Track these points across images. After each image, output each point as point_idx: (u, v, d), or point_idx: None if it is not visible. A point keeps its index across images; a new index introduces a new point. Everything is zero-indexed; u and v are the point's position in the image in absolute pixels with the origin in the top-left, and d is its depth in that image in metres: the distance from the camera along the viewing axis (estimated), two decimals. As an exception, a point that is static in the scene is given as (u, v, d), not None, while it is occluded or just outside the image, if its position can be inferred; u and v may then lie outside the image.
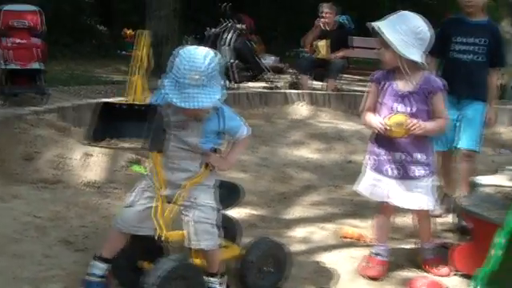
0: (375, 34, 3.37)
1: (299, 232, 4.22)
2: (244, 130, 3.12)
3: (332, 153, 6.33)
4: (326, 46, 9.40)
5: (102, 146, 2.77)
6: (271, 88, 9.93)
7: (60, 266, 3.41)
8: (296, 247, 3.92)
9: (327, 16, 9.43)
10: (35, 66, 7.98)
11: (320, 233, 4.21)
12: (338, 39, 9.44)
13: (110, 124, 2.69)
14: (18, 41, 8.06)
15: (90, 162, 5.01)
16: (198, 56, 2.83)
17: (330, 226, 4.31)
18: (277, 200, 4.91)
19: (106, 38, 17.85)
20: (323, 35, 9.51)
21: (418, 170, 3.46)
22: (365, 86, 11.23)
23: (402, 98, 3.41)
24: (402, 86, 3.42)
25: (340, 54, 9.37)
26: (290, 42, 16.00)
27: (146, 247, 3.16)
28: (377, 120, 3.42)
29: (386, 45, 3.33)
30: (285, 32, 19.65)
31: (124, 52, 13.01)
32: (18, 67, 7.94)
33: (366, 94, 3.67)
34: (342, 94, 8.25)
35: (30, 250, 3.54)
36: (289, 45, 13.90)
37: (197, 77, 2.79)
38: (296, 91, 8.24)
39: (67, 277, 3.28)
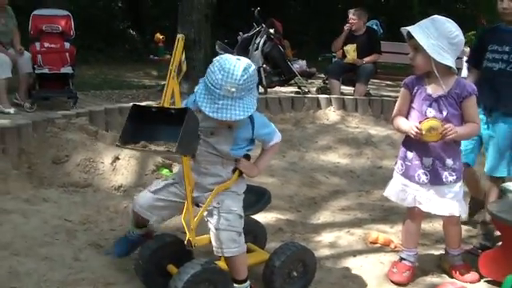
0: (408, 38, 3.37)
1: (327, 237, 4.20)
2: (275, 137, 3.14)
3: (361, 158, 6.29)
4: (353, 51, 9.37)
5: (132, 149, 2.76)
6: (301, 93, 9.93)
7: (90, 269, 3.44)
8: (323, 252, 3.92)
9: (353, 21, 9.42)
10: (66, 70, 8.09)
11: (348, 238, 4.19)
12: (367, 44, 9.40)
13: (142, 127, 2.69)
14: (49, 45, 8.17)
15: (119, 166, 5.04)
16: (236, 68, 2.78)
17: (358, 231, 4.29)
18: (305, 205, 4.90)
19: (138, 43, 18.01)
20: (352, 40, 9.49)
21: (447, 176, 3.43)
22: (394, 91, 11.23)
23: (434, 102, 3.38)
24: (433, 90, 3.40)
25: (368, 58, 9.33)
26: (320, 46, 15.98)
27: (173, 251, 3.20)
28: (409, 125, 3.40)
29: (418, 49, 3.33)
30: (316, 36, 19.61)
31: (156, 57, 13.12)
32: (50, 71, 8.05)
33: (399, 99, 3.64)
34: (371, 99, 8.19)
35: (60, 253, 3.58)
36: (320, 49, 13.84)
37: (233, 89, 2.76)
38: (325, 96, 8.22)
39: (97, 280, 3.32)
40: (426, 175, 3.45)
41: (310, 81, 11.44)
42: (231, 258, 3.00)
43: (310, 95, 8.77)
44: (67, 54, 8.22)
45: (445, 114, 3.35)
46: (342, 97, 8.21)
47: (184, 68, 2.86)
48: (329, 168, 5.93)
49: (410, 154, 3.49)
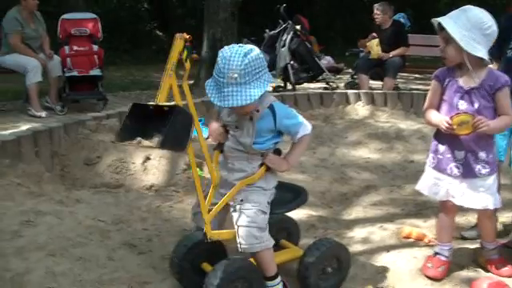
0: (439, 30, 3.28)
1: (359, 232, 4.18)
2: (302, 129, 3.03)
3: (392, 152, 6.24)
4: (376, 45, 9.31)
5: (128, 144, 2.79)
6: (329, 89, 9.89)
7: (124, 268, 3.47)
8: (356, 248, 3.89)
9: (377, 16, 9.36)
10: (95, 72, 8.20)
11: (381, 233, 4.15)
12: (393, 37, 9.33)
13: (140, 124, 2.72)
14: (77, 48, 8.28)
15: (150, 166, 5.07)
16: (236, 54, 2.77)
17: (391, 226, 4.25)
18: (337, 200, 4.88)
19: (165, 43, 18.10)
20: (378, 34, 9.43)
21: (480, 169, 3.34)
22: (423, 84, 11.15)
23: (465, 94, 3.30)
24: (465, 82, 3.31)
25: (395, 52, 9.26)
26: (347, 41, 15.91)
27: (208, 249, 3.20)
28: (440, 118, 3.33)
29: (449, 41, 3.24)
30: (342, 32, 19.55)
31: (181, 57, 13.18)
32: (79, 74, 8.14)
33: (429, 91, 3.56)
34: (400, 93, 8.12)
35: (94, 253, 3.60)
36: (347, 45, 13.79)
37: (235, 75, 2.75)
38: (354, 91, 8.16)
39: (131, 279, 3.34)
40: (459, 168, 3.37)
41: (337, 76, 11.40)
42: (256, 254, 2.99)
43: (338, 91, 8.73)
44: (96, 57, 8.34)
45: (477, 106, 3.27)
46: (371, 91, 8.16)
47: (188, 66, 2.91)
48: (359, 163, 5.90)
49: (442, 147, 3.42)
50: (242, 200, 3.00)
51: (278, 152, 3.08)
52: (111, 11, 16.27)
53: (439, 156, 3.45)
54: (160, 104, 2.73)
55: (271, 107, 2.96)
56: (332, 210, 4.67)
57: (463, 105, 3.31)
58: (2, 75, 9.06)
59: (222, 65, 2.77)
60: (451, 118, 3.24)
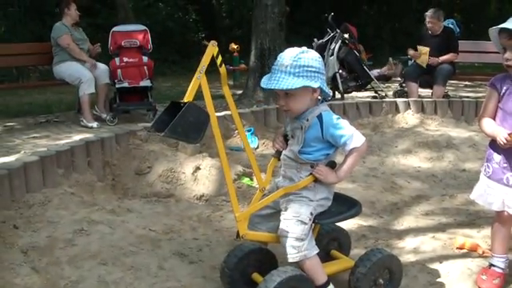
0: (507, 37, 3.09)
1: (411, 243, 4.12)
2: (352, 141, 2.97)
3: (443, 161, 6.15)
4: (424, 53, 9.22)
5: (157, 135, 2.94)
6: (378, 97, 9.82)
7: (175, 277, 3.49)
8: (408, 258, 3.83)
9: (430, 23, 9.27)
10: (145, 83, 8.32)
11: (432, 243, 4.08)
12: (444, 43, 9.23)
13: (170, 119, 2.82)
14: (128, 60, 8.44)
15: (200, 176, 5.09)
16: (294, 50, 2.93)
17: (443, 237, 4.18)
18: (387, 210, 4.83)
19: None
20: (429, 40, 9.33)
21: None
22: (473, 91, 10.97)
23: None
24: None
25: (445, 57, 9.15)
26: (395, 49, 15.79)
27: (259, 260, 3.20)
28: (498, 131, 3.20)
29: None
30: (390, 39, 19.41)
31: (231, 67, 13.25)
32: (129, 85, 8.29)
33: (485, 99, 3.44)
34: (450, 101, 8.00)
35: (145, 263, 3.64)
36: (394, 52, 13.69)
37: (287, 63, 2.88)
38: (403, 99, 8.09)
39: (182, 288, 3.37)
40: None
41: (386, 84, 11.32)
42: (300, 264, 2.99)
43: (387, 99, 8.66)
44: (145, 68, 8.47)
45: None
46: (421, 99, 8.06)
47: (223, 71, 3.03)
48: (410, 172, 5.83)
49: (498, 157, 3.32)
50: (286, 209, 3.04)
51: (331, 164, 3.06)
52: (160, 22, 16.46)
53: (494, 165, 3.35)
54: (180, 101, 2.86)
55: (319, 116, 2.98)
56: (383, 219, 4.62)
57: None
58: (56, 87, 9.29)
59: (279, 57, 2.95)
60: (510, 135, 3.12)
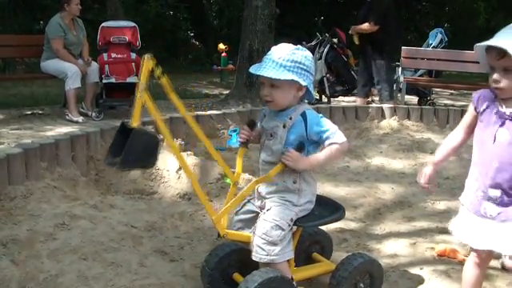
0: (497, 56, 2.62)
1: (392, 248, 4.13)
2: (333, 137, 2.93)
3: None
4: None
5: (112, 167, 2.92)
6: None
7: (155, 275, 3.48)
8: (389, 263, 3.84)
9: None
10: (132, 79, 8.30)
11: (414, 249, 4.10)
12: (368, 13, 9.27)
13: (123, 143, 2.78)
14: (116, 56, 8.41)
15: (183, 174, 5.07)
16: (288, 46, 2.94)
17: (425, 243, 4.19)
18: (370, 215, 4.83)
19: (201, 53, 18.23)
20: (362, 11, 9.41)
21: None
22: (459, 100, 11.01)
23: (509, 121, 2.71)
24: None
25: (357, 27, 9.25)
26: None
27: (240, 260, 3.20)
28: (423, 169, 3.01)
29: (509, 69, 2.62)
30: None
31: (218, 67, 13.29)
32: (116, 81, 8.26)
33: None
34: (436, 109, 8.05)
35: (126, 259, 3.63)
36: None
37: (279, 55, 2.89)
38: (389, 105, 8.13)
39: (162, 286, 3.35)
40: (494, 209, 2.77)
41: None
42: (269, 264, 2.98)
43: (373, 105, 8.69)
44: (133, 64, 8.44)
45: None
46: (407, 106, 8.11)
47: (164, 81, 3.02)
48: (393, 178, 5.85)
49: (475, 184, 2.84)
50: (268, 209, 3.01)
51: (300, 146, 2.96)
52: (150, 20, 16.43)
53: (471, 194, 2.87)
54: (128, 125, 2.83)
55: (303, 114, 2.96)
56: (365, 224, 4.63)
57: (503, 135, 2.71)
58: (42, 80, 9.25)
59: (273, 49, 2.96)
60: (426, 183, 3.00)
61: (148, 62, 2.88)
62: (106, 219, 4.24)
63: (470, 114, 2.91)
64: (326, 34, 10.35)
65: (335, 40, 10.34)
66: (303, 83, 2.92)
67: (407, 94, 9.69)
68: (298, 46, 2.97)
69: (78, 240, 3.79)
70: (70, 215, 4.14)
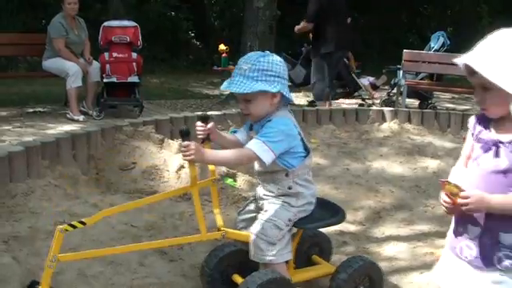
0: (469, 74, 2.29)
1: (392, 251, 4.14)
2: (257, 146, 2.81)
3: (427, 171, 6.17)
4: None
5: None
6: (365, 105, 9.86)
7: (155, 274, 3.49)
8: (388, 267, 3.86)
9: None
10: (133, 79, 8.32)
11: (413, 253, 4.11)
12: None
13: None
14: (117, 55, 8.42)
15: (184, 174, 5.08)
16: (255, 54, 2.91)
17: (424, 246, 4.21)
18: (370, 218, 4.84)
19: (202, 53, 18.23)
20: None
21: (502, 258, 2.25)
22: (458, 103, 10.99)
23: (494, 147, 2.32)
24: (499, 131, 2.34)
25: (297, 27, 8.83)
26: (384, 58, 15.86)
27: (240, 261, 3.21)
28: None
29: (487, 88, 2.24)
30: (379, 49, 19.48)
31: (219, 67, 13.27)
32: (117, 80, 8.27)
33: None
34: (437, 112, 8.05)
35: (125, 258, 3.64)
36: (383, 61, 13.75)
37: (245, 67, 2.85)
38: (390, 108, 8.12)
39: (161, 286, 3.37)
40: (471, 249, 2.33)
41: (373, 92, 11.37)
42: (267, 265, 3.00)
43: (374, 107, 8.69)
44: (134, 64, 8.46)
45: (505, 165, 2.25)
46: (407, 109, 8.11)
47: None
48: (394, 181, 5.85)
49: (454, 221, 2.46)
50: (266, 210, 3.04)
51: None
52: (151, 20, 16.43)
53: (453, 230, 2.47)
54: None
55: (270, 120, 2.93)
56: (364, 227, 4.63)
57: (487, 162, 2.33)
58: (44, 79, 9.27)
59: (240, 60, 2.92)
60: (443, 183, 2.34)
61: (59, 235, 2.90)
62: (106, 218, 4.22)
63: (468, 142, 2.52)
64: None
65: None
66: (274, 90, 2.86)
67: (408, 97, 9.69)
68: (266, 52, 2.93)
69: (78, 238, 3.79)
70: (71, 213, 4.15)
